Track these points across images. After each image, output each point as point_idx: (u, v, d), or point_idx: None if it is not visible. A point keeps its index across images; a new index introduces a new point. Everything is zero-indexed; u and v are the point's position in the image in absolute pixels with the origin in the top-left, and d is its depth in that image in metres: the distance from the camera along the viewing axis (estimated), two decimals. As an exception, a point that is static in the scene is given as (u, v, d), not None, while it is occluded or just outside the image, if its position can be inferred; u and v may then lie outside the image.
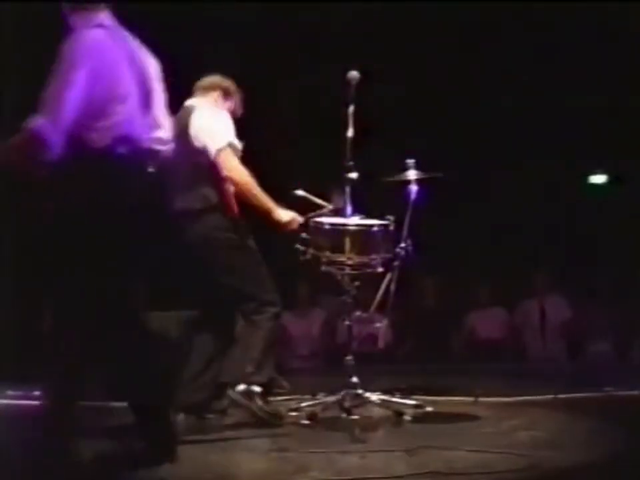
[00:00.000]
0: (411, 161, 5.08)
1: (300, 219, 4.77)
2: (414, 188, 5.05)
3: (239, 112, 4.92)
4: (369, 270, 4.82)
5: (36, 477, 3.60)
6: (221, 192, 4.65)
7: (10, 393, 5.63)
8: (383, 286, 5.00)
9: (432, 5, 7.83)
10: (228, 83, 4.95)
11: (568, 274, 8.43)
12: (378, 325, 5.36)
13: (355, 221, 4.78)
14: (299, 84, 8.41)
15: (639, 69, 7.89)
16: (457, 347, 8.40)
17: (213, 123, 4.68)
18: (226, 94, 4.91)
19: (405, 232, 4.95)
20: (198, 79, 4.94)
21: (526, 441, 4.05)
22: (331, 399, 4.76)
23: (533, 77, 8.40)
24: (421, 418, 4.70)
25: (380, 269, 4.86)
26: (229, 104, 4.90)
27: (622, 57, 8.00)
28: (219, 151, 4.58)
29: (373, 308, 5.11)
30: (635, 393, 5.31)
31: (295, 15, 7.84)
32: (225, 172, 4.59)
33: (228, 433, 4.42)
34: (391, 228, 4.86)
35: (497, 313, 8.55)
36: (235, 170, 4.60)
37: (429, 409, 4.88)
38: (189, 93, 4.89)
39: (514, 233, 8.62)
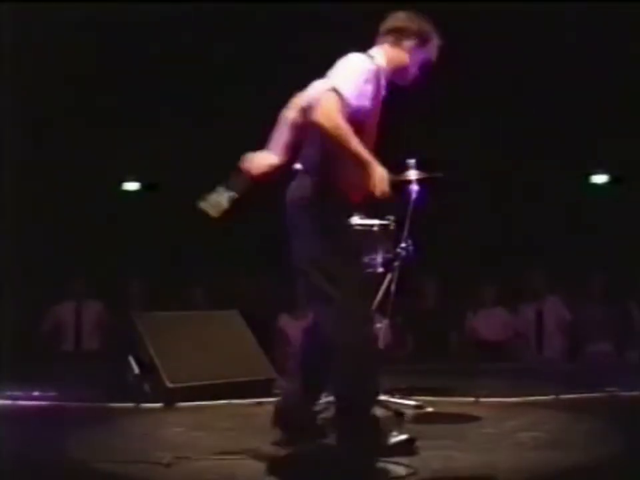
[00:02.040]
0: (411, 161, 5.08)
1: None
2: (414, 188, 5.04)
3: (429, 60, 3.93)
4: (369, 270, 4.81)
5: (36, 476, 3.60)
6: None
7: (10, 393, 5.62)
8: (383, 286, 4.99)
9: (432, 5, 7.82)
10: (405, 23, 3.93)
11: (568, 274, 8.43)
12: (378, 325, 5.34)
13: (354, 220, 4.77)
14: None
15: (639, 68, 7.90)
16: (458, 347, 8.39)
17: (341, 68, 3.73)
18: (399, 37, 3.91)
19: (405, 232, 4.94)
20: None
21: (527, 441, 4.04)
22: (331, 399, 4.75)
23: (534, 76, 8.40)
24: (421, 418, 4.70)
25: (380, 269, 4.85)
26: (407, 49, 3.90)
27: (623, 56, 8.00)
28: (323, 94, 3.63)
29: (373, 308, 5.10)
30: (636, 393, 5.31)
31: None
32: (314, 116, 3.62)
33: (230, 434, 4.41)
34: (391, 228, 4.85)
35: (498, 313, 8.54)
36: (326, 114, 3.58)
37: (430, 409, 4.87)
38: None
39: (514, 232, 8.62)
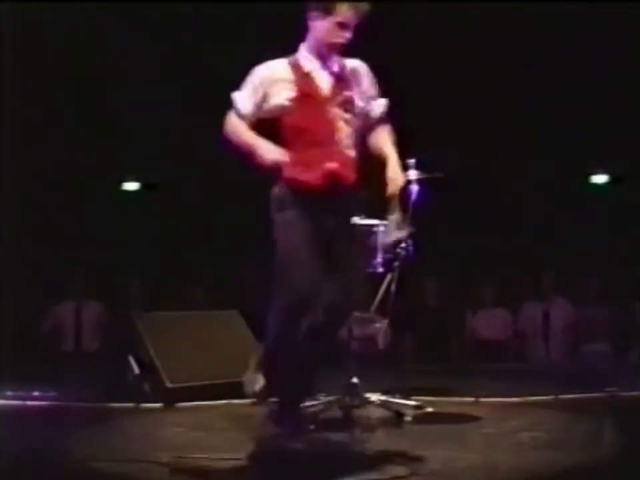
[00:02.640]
0: (411, 161, 5.07)
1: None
2: (414, 188, 5.04)
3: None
4: (369, 270, 4.81)
5: (36, 475, 3.60)
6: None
7: (10, 392, 5.62)
8: (384, 286, 4.99)
9: (432, 5, 7.83)
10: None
11: (568, 274, 8.43)
12: (378, 325, 5.34)
13: (354, 220, 4.76)
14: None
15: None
16: (458, 347, 8.40)
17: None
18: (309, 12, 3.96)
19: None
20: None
21: (527, 441, 4.04)
22: (331, 398, 4.75)
23: (534, 76, 8.40)
24: (422, 419, 4.69)
25: (380, 269, 4.85)
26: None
27: (623, 55, 8.00)
28: None
29: (373, 308, 5.09)
30: (635, 393, 5.31)
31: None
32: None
33: (230, 434, 4.41)
34: (391, 228, 4.84)
35: (498, 314, 8.55)
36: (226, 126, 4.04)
37: (430, 409, 4.87)
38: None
39: (514, 233, 8.61)
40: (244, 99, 4.01)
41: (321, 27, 3.92)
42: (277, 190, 3.97)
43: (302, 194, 3.90)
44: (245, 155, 3.91)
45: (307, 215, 3.89)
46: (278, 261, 3.89)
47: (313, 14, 3.94)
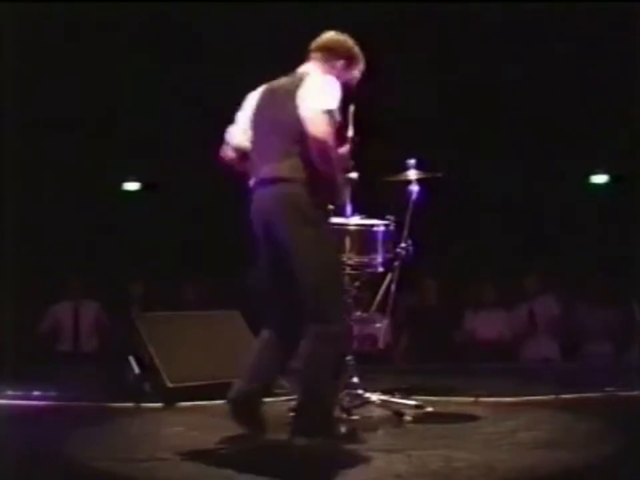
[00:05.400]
0: (411, 161, 5.08)
1: None
2: (414, 188, 5.05)
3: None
4: (369, 270, 4.81)
5: (36, 476, 3.60)
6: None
7: (10, 393, 5.63)
8: (384, 286, 4.99)
9: (430, 5, 7.83)
10: (337, 43, 4.11)
11: (568, 274, 8.43)
12: (378, 325, 5.35)
13: (355, 220, 4.78)
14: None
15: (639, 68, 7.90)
16: (458, 346, 8.39)
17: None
18: (329, 56, 4.07)
19: (405, 232, 4.94)
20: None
21: (527, 441, 4.05)
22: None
23: (534, 76, 8.41)
24: (421, 418, 4.70)
25: (380, 269, 4.85)
26: (335, 68, 4.06)
27: (623, 55, 8.00)
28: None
29: (373, 308, 5.10)
30: (635, 393, 5.31)
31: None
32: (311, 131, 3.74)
33: (230, 434, 4.42)
34: (391, 228, 4.86)
35: (497, 313, 8.54)
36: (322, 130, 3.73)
37: (429, 409, 4.87)
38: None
39: (514, 232, 8.62)
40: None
41: (336, 75, 4.01)
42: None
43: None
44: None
45: None
46: None
47: (338, 62, 4.08)
